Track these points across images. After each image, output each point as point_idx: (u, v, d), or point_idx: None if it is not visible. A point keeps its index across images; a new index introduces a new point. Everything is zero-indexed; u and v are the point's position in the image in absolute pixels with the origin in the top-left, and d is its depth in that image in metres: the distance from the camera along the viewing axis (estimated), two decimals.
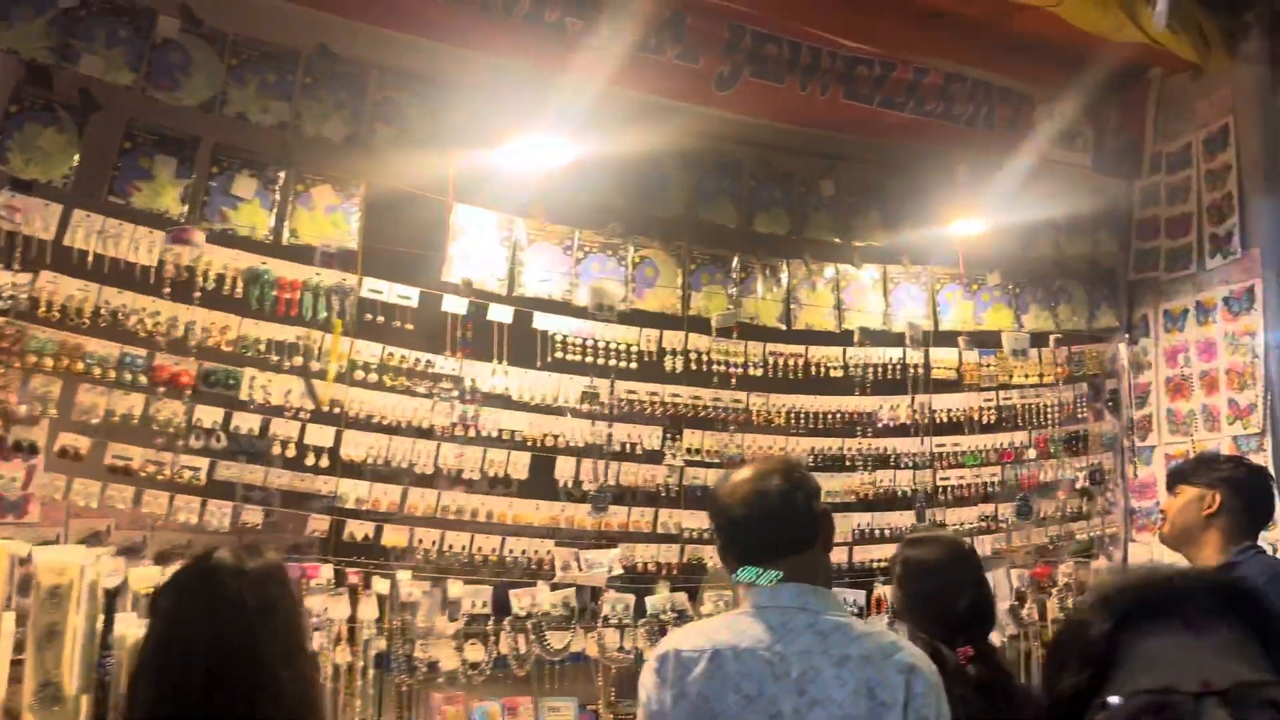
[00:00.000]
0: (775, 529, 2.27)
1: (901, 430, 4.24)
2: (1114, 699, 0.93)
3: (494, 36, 3.50)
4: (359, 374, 3.29)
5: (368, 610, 3.00)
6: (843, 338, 4.16)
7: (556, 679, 3.35)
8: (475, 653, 3.12)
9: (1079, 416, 4.67)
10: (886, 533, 4.14)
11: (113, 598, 2.80)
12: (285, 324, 3.20)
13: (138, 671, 1.76)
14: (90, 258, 2.95)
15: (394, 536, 3.29)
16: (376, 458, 3.30)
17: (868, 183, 4.25)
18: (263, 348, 3.16)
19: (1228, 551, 3.21)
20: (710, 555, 3.83)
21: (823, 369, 4.10)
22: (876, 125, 4.22)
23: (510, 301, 3.53)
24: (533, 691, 3.37)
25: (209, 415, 3.09)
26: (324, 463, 3.22)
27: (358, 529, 3.25)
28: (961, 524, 4.31)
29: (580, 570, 3.53)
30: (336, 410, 3.25)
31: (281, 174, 3.24)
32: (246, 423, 3.13)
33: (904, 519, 4.19)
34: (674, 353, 3.82)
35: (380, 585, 3.19)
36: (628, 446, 3.71)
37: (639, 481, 3.71)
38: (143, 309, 3.01)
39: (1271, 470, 4.06)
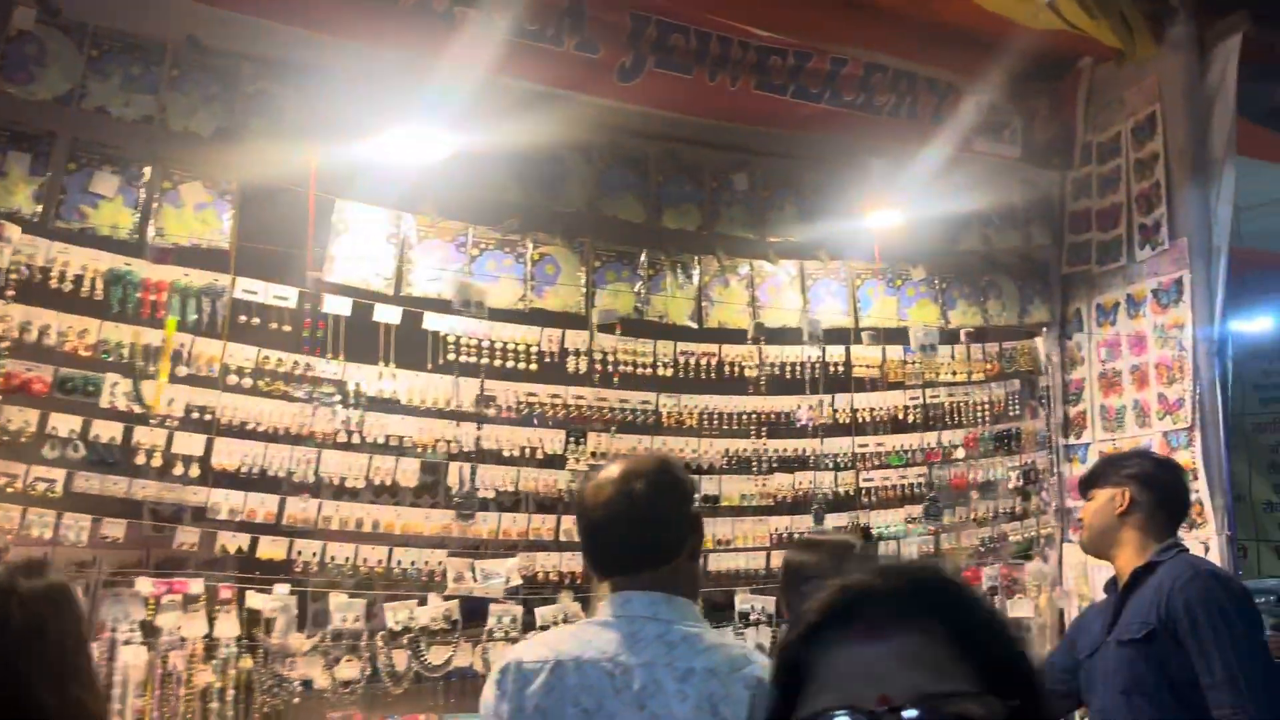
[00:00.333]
0: (639, 535, 2.14)
1: (822, 430, 4.11)
2: None
3: (379, 26, 3.36)
4: (232, 379, 3.14)
5: (226, 628, 2.84)
6: (757, 336, 4.02)
7: (446, 694, 3.20)
8: (348, 670, 2.96)
9: (1011, 414, 4.54)
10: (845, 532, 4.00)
11: None
12: (150, 327, 3.04)
13: None
14: None
15: (271, 549, 3.14)
16: (251, 467, 3.15)
17: (784, 176, 4.12)
18: (126, 352, 3.01)
19: (1148, 551, 3.10)
20: None
21: (736, 368, 3.96)
22: (792, 117, 4.09)
23: (398, 301, 3.38)
24: (435, 708, 3.22)
25: (65, 424, 2.93)
26: (194, 472, 3.07)
27: (230, 542, 3.09)
28: (887, 526, 4.18)
29: (476, 581, 3.38)
30: (208, 417, 3.10)
31: (147, 170, 3.09)
32: (108, 431, 2.98)
33: (825, 522, 4.05)
34: (578, 353, 3.68)
35: (258, 600, 3.04)
36: (528, 451, 3.57)
37: (539, 488, 3.57)
38: None
39: (1200, 466, 3.95)
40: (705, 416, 3.89)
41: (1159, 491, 3.08)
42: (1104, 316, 4.53)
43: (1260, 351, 7.20)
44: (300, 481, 3.21)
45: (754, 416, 3.98)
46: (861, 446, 4.17)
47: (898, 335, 4.35)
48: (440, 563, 3.37)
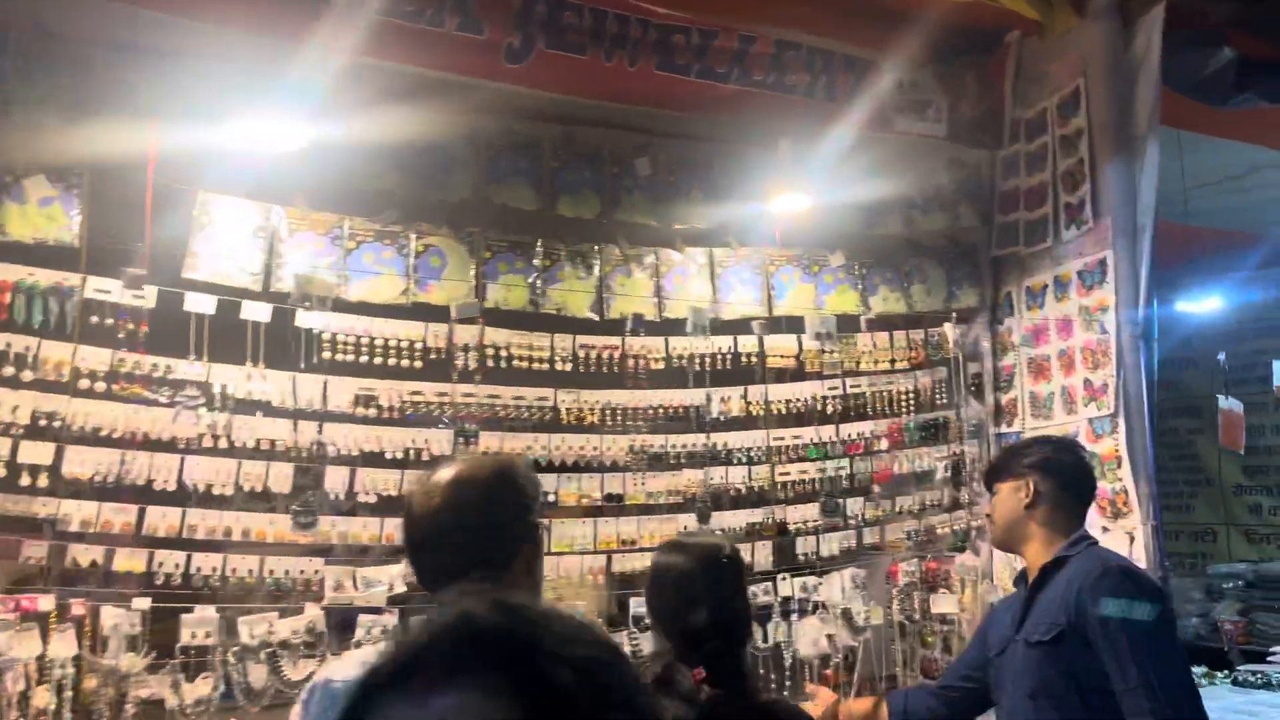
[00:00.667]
0: (464, 544, 1.98)
1: (734, 424, 3.95)
2: None
3: (247, 10, 3.20)
4: (84, 383, 2.98)
5: (62, 648, 2.68)
6: (664, 327, 3.86)
7: None
8: (202, 687, 2.81)
9: (938, 403, 4.38)
10: (719, 534, 3.84)
11: None
12: None
13: None
14: None
15: (128, 561, 2.98)
16: (106, 475, 2.99)
17: (690, 161, 3.95)
18: None
19: (1056, 544, 2.96)
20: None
21: (642, 361, 3.80)
22: (697, 98, 3.92)
23: (267, 298, 3.22)
24: None
25: None
26: (43, 482, 2.91)
27: (83, 555, 2.94)
28: (805, 521, 4.02)
29: (356, 589, 3.22)
30: (56, 424, 2.94)
31: None
32: None
33: (737, 519, 3.91)
34: (467, 349, 3.51)
35: (114, 615, 2.88)
36: (413, 453, 3.41)
37: None
38: None
39: (1125, 453, 3.80)
40: (608, 412, 3.72)
41: (1062, 476, 2.95)
42: (1033, 300, 4.37)
43: (1217, 333, 7.07)
44: (161, 490, 3.05)
45: (660, 411, 3.82)
46: (777, 439, 4.01)
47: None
48: (317, 571, 3.21)
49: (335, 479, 3.27)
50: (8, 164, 2.96)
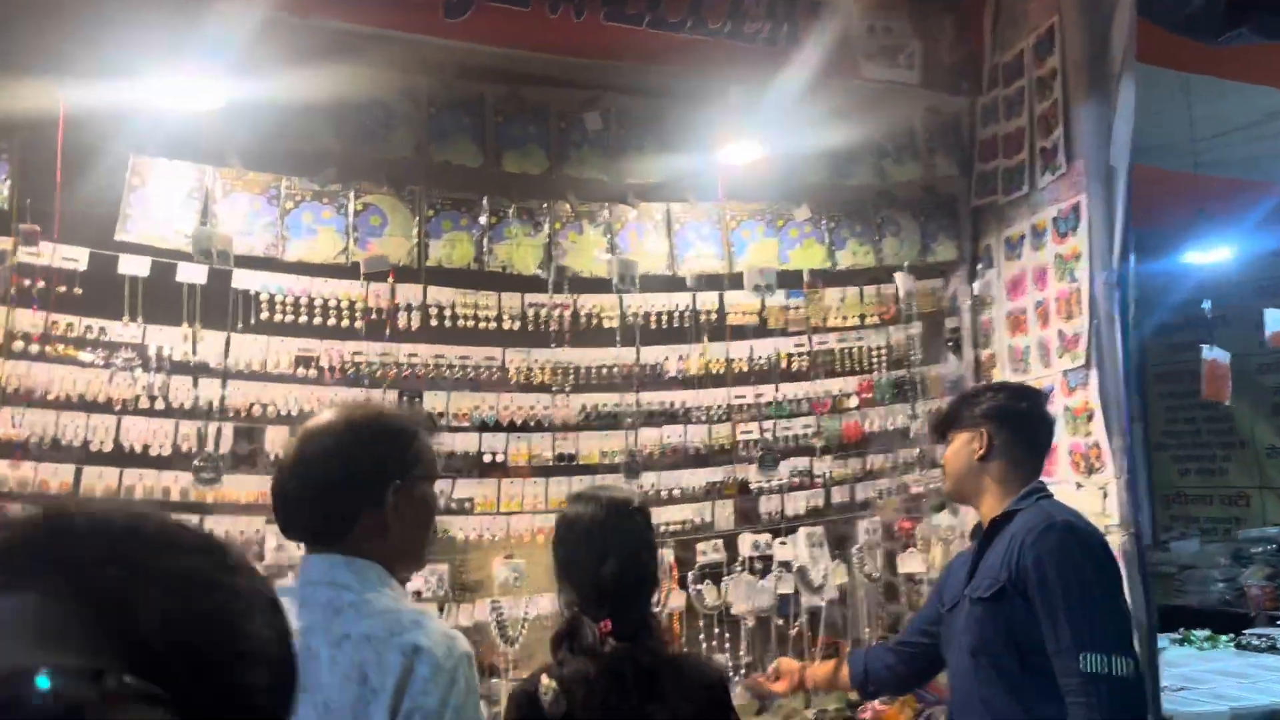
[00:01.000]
0: (298, 505, 1.96)
1: (692, 382, 3.88)
2: None
3: None
4: (17, 345, 3.01)
5: None
6: (619, 284, 3.78)
7: None
8: None
9: (913, 359, 4.25)
10: (676, 494, 3.79)
11: None
12: None
13: None
14: None
15: None
16: (43, 436, 3.02)
17: (642, 114, 3.85)
18: None
19: (1010, 497, 2.87)
20: (460, 528, 3.53)
21: (594, 319, 3.74)
22: (649, 49, 3.82)
23: (201, 259, 3.22)
24: None
25: None
26: None
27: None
28: (770, 481, 3.94)
29: (298, 548, 3.22)
30: None
31: None
32: None
33: (696, 478, 3.84)
34: (410, 308, 3.48)
35: None
36: None
37: None
38: None
39: (1098, 407, 3.66)
40: (559, 371, 3.67)
41: (1016, 424, 2.85)
42: (1011, 250, 4.21)
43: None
44: (98, 450, 3.08)
45: (615, 370, 3.76)
46: (739, 398, 3.93)
47: (786, 279, 4.08)
48: (258, 530, 3.23)
49: (276, 439, 3.27)
50: None
